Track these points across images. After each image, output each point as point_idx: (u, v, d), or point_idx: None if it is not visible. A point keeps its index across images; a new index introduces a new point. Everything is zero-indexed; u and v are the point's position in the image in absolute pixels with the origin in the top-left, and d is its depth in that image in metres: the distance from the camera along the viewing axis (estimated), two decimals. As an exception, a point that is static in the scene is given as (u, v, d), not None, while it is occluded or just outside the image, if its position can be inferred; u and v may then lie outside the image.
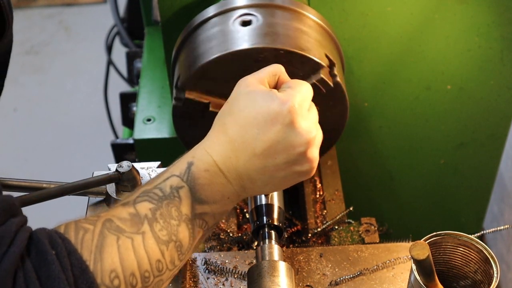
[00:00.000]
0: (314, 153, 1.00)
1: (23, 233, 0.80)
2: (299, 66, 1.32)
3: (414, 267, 1.04)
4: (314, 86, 1.32)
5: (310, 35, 1.38)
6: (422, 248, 1.00)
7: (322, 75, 1.33)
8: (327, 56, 1.36)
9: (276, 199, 1.25)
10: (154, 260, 0.89)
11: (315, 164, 1.01)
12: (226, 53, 1.31)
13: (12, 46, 1.11)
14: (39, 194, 1.05)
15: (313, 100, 1.36)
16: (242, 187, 0.99)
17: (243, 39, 1.33)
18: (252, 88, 1.00)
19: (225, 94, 1.35)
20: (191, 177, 0.94)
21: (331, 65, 1.37)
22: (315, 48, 1.36)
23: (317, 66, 1.33)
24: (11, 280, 0.75)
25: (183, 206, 0.93)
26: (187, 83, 1.36)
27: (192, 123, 1.42)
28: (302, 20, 1.40)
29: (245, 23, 1.36)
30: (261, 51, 1.30)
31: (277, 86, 1.05)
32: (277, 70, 1.05)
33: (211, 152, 0.97)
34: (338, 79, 1.36)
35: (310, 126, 0.99)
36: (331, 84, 1.35)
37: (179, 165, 0.96)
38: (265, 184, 1.00)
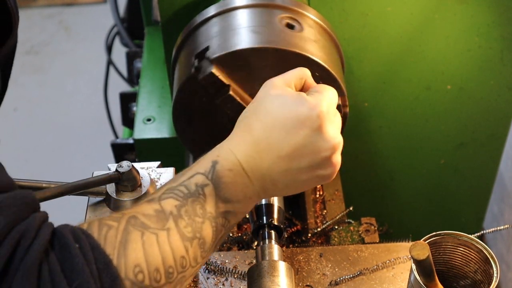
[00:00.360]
0: (338, 158, 1.02)
1: (47, 227, 0.80)
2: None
3: (414, 267, 1.04)
4: None
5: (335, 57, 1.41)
6: (422, 248, 1.00)
7: (340, 102, 1.34)
8: (344, 85, 1.39)
9: (276, 199, 1.25)
10: (179, 256, 0.89)
11: (338, 168, 1.02)
12: (273, 47, 1.31)
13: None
14: (39, 194, 1.05)
15: None
16: (263, 188, 0.99)
17: (290, 41, 1.33)
18: (281, 91, 0.99)
19: (246, 85, 1.34)
20: (215, 176, 0.95)
21: (345, 95, 1.39)
22: (340, 72, 1.38)
23: (340, 92, 1.35)
24: (36, 272, 0.76)
25: (207, 204, 0.93)
26: (219, 58, 1.31)
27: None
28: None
29: (290, 26, 1.37)
30: (307, 60, 1.31)
31: (303, 89, 1.05)
32: (303, 73, 1.05)
33: (236, 151, 0.97)
34: (347, 110, 1.40)
35: (336, 131, 1.01)
36: (342, 113, 1.37)
37: (204, 164, 0.96)
38: (286, 186, 1.00)
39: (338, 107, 1.33)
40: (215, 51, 1.32)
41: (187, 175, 0.95)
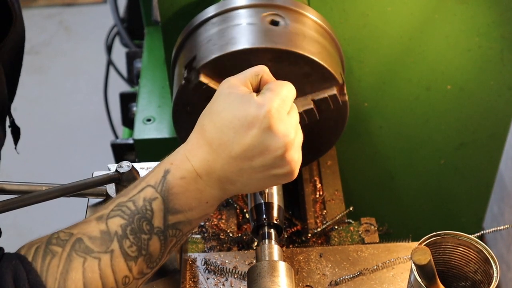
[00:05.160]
0: (293, 156, 0.98)
1: None
2: (316, 76, 1.34)
3: (414, 267, 1.04)
4: (324, 100, 1.34)
5: (330, 51, 1.39)
6: (423, 253, 1.00)
7: (335, 92, 1.34)
8: (341, 74, 1.38)
9: (275, 198, 1.25)
10: (121, 277, 0.90)
11: (296, 166, 0.99)
12: (258, 47, 1.30)
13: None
14: (39, 194, 1.05)
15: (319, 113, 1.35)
16: (223, 190, 0.98)
17: (276, 37, 1.32)
18: (233, 90, 0.98)
19: None
20: (165, 187, 0.94)
21: (343, 83, 1.38)
22: (334, 63, 1.37)
23: (333, 81, 1.34)
24: None
25: (155, 219, 0.93)
26: (205, 66, 1.32)
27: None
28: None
29: (274, 23, 1.36)
30: (288, 54, 1.30)
31: (260, 86, 1.03)
32: (260, 70, 1.03)
33: (191, 157, 0.96)
34: (346, 98, 1.37)
35: (288, 129, 0.97)
36: (340, 102, 1.36)
37: (156, 174, 0.96)
38: (245, 185, 0.99)
39: (334, 97, 1.31)
40: (202, 59, 1.33)
41: (138, 188, 0.95)
